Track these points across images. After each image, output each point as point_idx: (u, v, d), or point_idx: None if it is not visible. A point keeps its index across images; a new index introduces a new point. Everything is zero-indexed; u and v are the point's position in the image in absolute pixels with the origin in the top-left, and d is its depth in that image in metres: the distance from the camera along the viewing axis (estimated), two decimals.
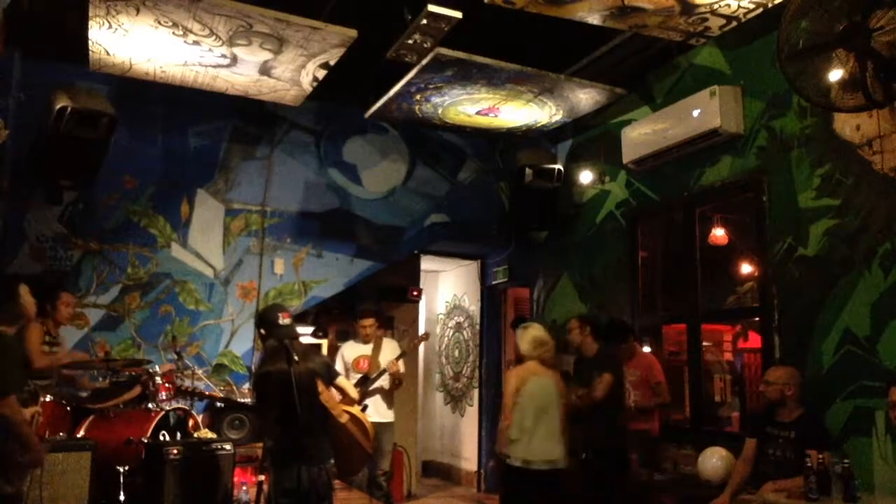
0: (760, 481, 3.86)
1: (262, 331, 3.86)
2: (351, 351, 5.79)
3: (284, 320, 3.79)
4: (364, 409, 5.26)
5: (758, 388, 4.83)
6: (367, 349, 5.73)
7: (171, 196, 6.03)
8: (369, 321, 5.75)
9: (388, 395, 5.69)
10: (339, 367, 5.60)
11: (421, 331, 8.64)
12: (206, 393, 5.12)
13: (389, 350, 5.77)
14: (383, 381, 5.63)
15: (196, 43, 4.71)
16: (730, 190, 5.12)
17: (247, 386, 5.67)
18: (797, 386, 3.99)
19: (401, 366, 5.68)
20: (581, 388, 4.85)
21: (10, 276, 5.25)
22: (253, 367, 6.10)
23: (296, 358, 3.61)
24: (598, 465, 4.68)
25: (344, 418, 4.05)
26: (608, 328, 5.39)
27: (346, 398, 4.24)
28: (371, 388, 5.57)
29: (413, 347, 6.48)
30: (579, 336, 5.06)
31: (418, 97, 5.57)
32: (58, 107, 4.85)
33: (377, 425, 5.32)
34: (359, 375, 5.59)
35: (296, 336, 3.96)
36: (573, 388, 5.00)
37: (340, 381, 4.15)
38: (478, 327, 8.12)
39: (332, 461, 3.80)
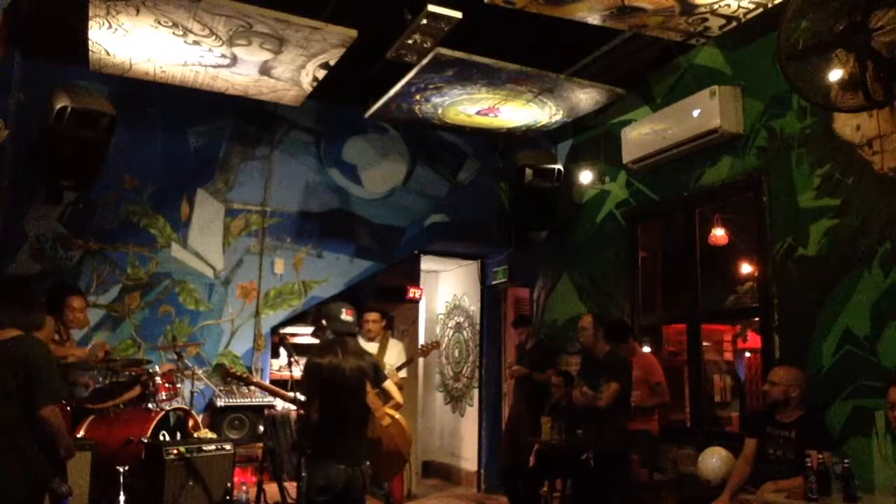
0: (760, 481, 3.86)
1: (323, 322, 3.84)
2: None
3: (347, 317, 3.80)
4: None
5: (758, 388, 4.84)
6: (372, 348, 5.66)
7: (171, 196, 6.03)
8: (374, 315, 5.70)
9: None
10: None
11: (421, 331, 8.64)
12: (255, 380, 4.97)
13: (395, 352, 5.73)
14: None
15: (196, 43, 4.71)
16: (730, 190, 5.12)
17: (245, 389, 5.65)
18: (801, 387, 3.99)
19: (402, 373, 5.64)
20: (585, 386, 4.84)
21: (22, 279, 5.29)
22: (254, 367, 6.11)
23: (345, 355, 3.63)
24: (598, 466, 4.68)
25: (386, 421, 4.03)
26: (608, 328, 5.38)
27: (392, 402, 4.20)
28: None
29: (422, 354, 6.43)
30: (593, 337, 5.01)
31: (418, 97, 5.57)
32: (58, 107, 4.85)
33: None
34: None
35: (354, 334, 3.94)
36: (577, 383, 4.99)
37: (388, 385, 4.08)
38: (478, 327, 8.11)
39: (368, 463, 3.75)
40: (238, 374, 4.69)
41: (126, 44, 4.75)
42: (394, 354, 5.70)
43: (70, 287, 5.23)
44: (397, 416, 4.21)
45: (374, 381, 3.89)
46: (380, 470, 4.02)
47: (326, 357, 3.71)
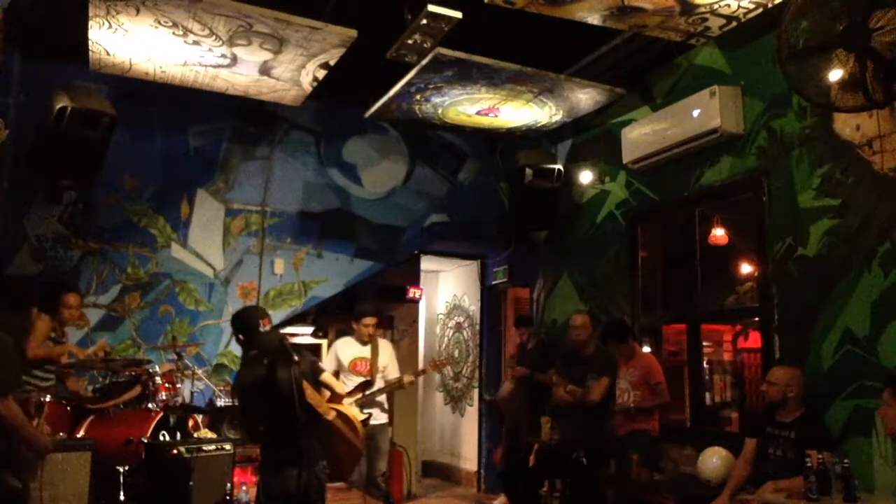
0: (760, 481, 3.86)
1: (241, 337, 3.71)
2: (348, 350, 5.58)
3: (265, 327, 3.67)
4: (369, 417, 5.15)
5: (758, 388, 4.84)
6: (365, 350, 5.56)
7: (171, 196, 6.03)
8: (372, 320, 5.57)
9: (386, 398, 5.64)
10: (331, 364, 5.46)
11: (421, 331, 8.64)
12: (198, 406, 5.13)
13: (387, 353, 5.68)
14: (382, 397, 5.56)
15: (196, 43, 4.71)
16: (730, 190, 5.12)
17: None
18: (799, 387, 3.99)
19: (407, 377, 5.62)
20: (569, 383, 4.84)
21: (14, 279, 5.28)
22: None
23: (274, 365, 3.52)
24: (588, 464, 4.69)
25: (331, 415, 3.95)
26: (608, 328, 5.39)
27: (334, 395, 4.14)
28: (376, 398, 5.48)
29: (434, 368, 6.36)
30: (586, 335, 4.97)
31: (418, 97, 5.57)
32: (58, 107, 4.85)
33: (374, 426, 5.27)
34: (357, 378, 5.46)
35: (273, 345, 3.72)
36: (558, 380, 4.98)
37: (325, 377, 3.99)
38: (478, 327, 8.12)
39: (324, 463, 3.72)
40: (180, 404, 4.72)
41: (126, 44, 4.75)
42: (386, 356, 5.65)
43: (64, 283, 5.21)
44: (341, 407, 4.13)
45: (310, 379, 3.79)
46: (335, 466, 3.98)
47: (256, 371, 3.58)
